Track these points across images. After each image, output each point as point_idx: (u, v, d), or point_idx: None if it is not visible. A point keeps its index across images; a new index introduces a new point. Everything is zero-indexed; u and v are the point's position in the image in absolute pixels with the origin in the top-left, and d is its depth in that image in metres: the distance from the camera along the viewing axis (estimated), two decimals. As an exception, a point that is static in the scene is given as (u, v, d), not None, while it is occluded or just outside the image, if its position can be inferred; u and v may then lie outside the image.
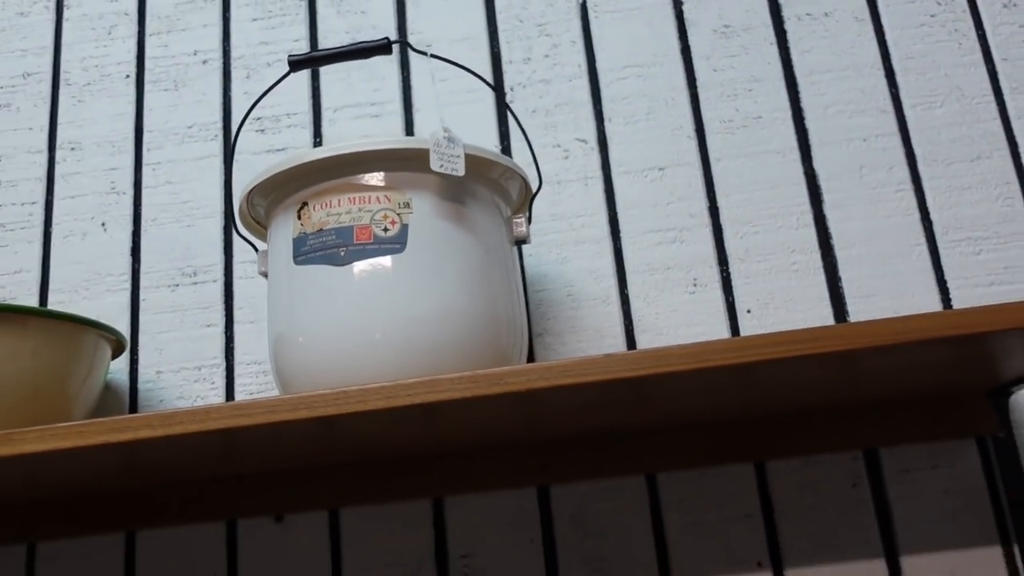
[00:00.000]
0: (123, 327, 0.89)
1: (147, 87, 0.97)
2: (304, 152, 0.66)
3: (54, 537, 0.83)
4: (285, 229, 0.68)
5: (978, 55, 0.92)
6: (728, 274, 0.87)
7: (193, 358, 0.88)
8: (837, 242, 0.87)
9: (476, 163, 0.68)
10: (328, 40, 0.97)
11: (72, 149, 0.96)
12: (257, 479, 0.83)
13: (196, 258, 0.91)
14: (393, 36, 0.97)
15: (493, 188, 0.72)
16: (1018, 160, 0.88)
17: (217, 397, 0.87)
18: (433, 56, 0.70)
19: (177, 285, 0.90)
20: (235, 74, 0.97)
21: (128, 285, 0.91)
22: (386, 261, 0.65)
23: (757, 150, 0.90)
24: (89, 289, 0.91)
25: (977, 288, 0.85)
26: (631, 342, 0.86)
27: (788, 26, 0.94)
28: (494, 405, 0.60)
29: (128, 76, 0.98)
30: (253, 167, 0.94)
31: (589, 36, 0.95)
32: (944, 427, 0.81)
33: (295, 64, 0.70)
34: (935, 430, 0.81)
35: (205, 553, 0.83)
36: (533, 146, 0.92)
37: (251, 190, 0.70)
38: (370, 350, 0.63)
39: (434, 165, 0.64)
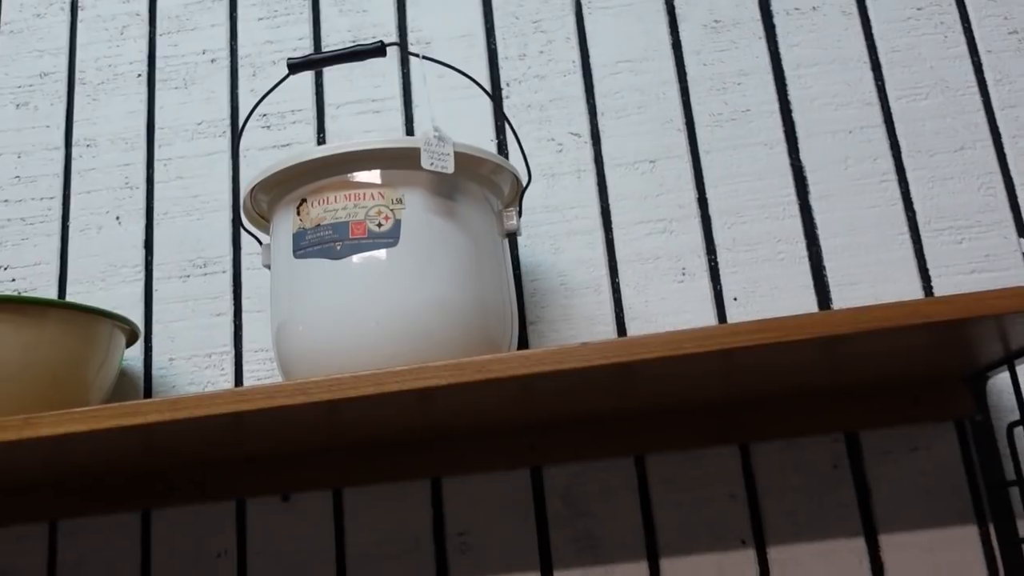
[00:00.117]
0: (137, 316, 0.94)
1: (158, 85, 1.01)
2: (302, 152, 0.70)
3: (75, 515, 0.88)
4: (285, 224, 0.72)
5: (963, 47, 0.94)
6: (716, 263, 0.90)
7: (204, 345, 0.93)
8: (822, 232, 0.90)
9: (466, 160, 0.72)
10: (331, 38, 1.01)
11: (88, 146, 1.00)
12: (264, 461, 0.87)
13: (206, 250, 0.95)
14: (394, 34, 1.00)
15: (483, 183, 0.75)
16: (1001, 151, 0.91)
17: (227, 382, 0.91)
18: (425, 58, 0.73)
19: (188, 276, 0.95)
20: (242, 72, 1.01)
21: (142, 276, 0.95)
22: (380, 255, 0.68)
23: (745, 142, 0.93)
24: (105, 280, 0.96)
25: (958, 276, 0.88)
26: (621, 329, 0.89)
27: (777, 20, 0.96)
28: (481, 391, 0.64)
29: (140, 75, 1.02)
30: (260, 162, 0.98)
31: (583, 32, 0.98)
32: (923, 410, 0.84)
33: (294, 67, 0.74)
34: (914, 413, 0.84)
35: (216, 530, 0.88)
36: (528, 140, 0.95)
37: (254, 187, 0.74)
38: (366, 339, 0.67)
39: (425, 163, 0.68)
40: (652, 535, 0.84)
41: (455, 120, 0.96)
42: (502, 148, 0.95)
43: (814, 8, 0.96)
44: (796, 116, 0.93)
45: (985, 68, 0.93)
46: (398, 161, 0.70)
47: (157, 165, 0.99)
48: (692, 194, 0.92)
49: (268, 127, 0.98)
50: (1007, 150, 0.90)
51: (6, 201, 0.99)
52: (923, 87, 0.93)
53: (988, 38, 0.94)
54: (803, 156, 0.92)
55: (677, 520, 0.84)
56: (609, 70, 0.96)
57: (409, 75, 0.98)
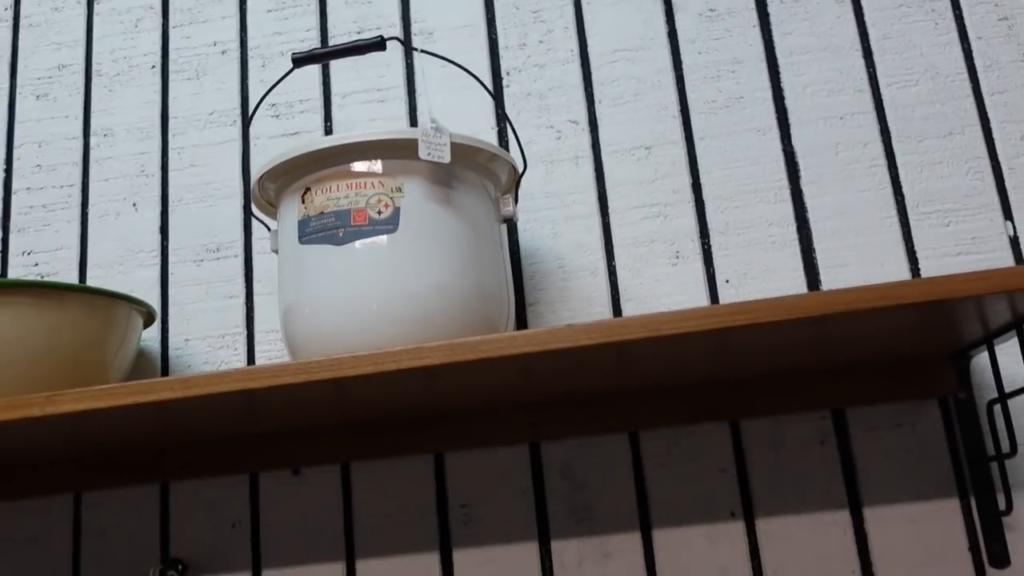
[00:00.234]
0: (154, 299, 0.98)
1: (171, 76, 1.05)
2: (306, 143, 0.73)
3: (98, 487, 0.93)
4: (291, 211, 0.76)
5: (954, 34, 0.96)
6: (709, 246, 0.93)
7: (217, 327, 0.97)
8: (812, 216, 0.93)
9: (462, 150, 0.75)
10: (337, 29, 1.04)
11: (105, 135, 1.04)
12: (276, 436, 0.92)
13: (218, 235, 0.99)
14: (398, 25, 1.03)
15: (480, 171, 0.79)
16: (989, 135, 0.93)
17: (240, 362, 0.96)
18: (423, 51, 0.76)
19: (202, 260, 0.99)
20: (252, 63, 1.04)
21: (158, 261, 1.00)
22: (380, 241, 0.72)
23: (738, 129, 0.96)
24: (123, 264, 1.00)
25: (945, 258, 0.90)
26: (617, 310, 0.93)
27: (771, 8, 0.98)
28: (476, 370, 0.67)
29: (154, 66, 1.06)
30: (270, 150, 1.01)
31: (581, 22, 1.01)
32: (908, 388, 0.87)
33: (298, 61, 0.77)
34: (899, 391, 0.87)
35: (231, 502, 0.92)
36: (528, 127, 0.98)
37: (261, 176, 0.77)
38: (367, 321, 0.71)
39: (422, 153, 0.71)
40: (645, 507, 0.88)
41: (457, 108, 1.00)
42: (502, 135, 0.98)
43: (808, -4, 0.98)
44: (789, 103, 0.96)
45: (975, 55, 0.95)
46: (397, 151, 0.73)
47: (171, 154, 1.02)
48: (686, 180, 0.95)
49: (277, 116, 1.02)
50: (995, 135, 0.93)
51: (28, 189, 1.03)
52: (914, 74, 0.95)
53: (978, 25, 0.96)
54: (795, 142, 0.95)
55: (669, 493, 0.88)
56: (607, 59, 0.99)
57: (412, 65, 1.01)
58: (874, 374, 0.87)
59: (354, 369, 0.63)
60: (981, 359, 0.87)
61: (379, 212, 0.72)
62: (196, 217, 1.00)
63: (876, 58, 0.96)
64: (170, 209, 1.01)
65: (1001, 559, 0.83)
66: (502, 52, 1.01)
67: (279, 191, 0.79)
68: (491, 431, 0.90)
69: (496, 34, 1.01)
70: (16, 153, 1.05)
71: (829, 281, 0.91)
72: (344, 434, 0.91)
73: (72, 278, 1.00)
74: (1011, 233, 0.90)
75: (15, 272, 1.01)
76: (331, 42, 1.04)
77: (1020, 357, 0.85)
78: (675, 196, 0.95)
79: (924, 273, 0.90)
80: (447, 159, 0.72)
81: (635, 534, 0.87)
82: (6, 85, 1.07)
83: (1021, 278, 0.60)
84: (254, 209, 0.97)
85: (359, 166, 0.73)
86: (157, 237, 1.00)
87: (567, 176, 0.96)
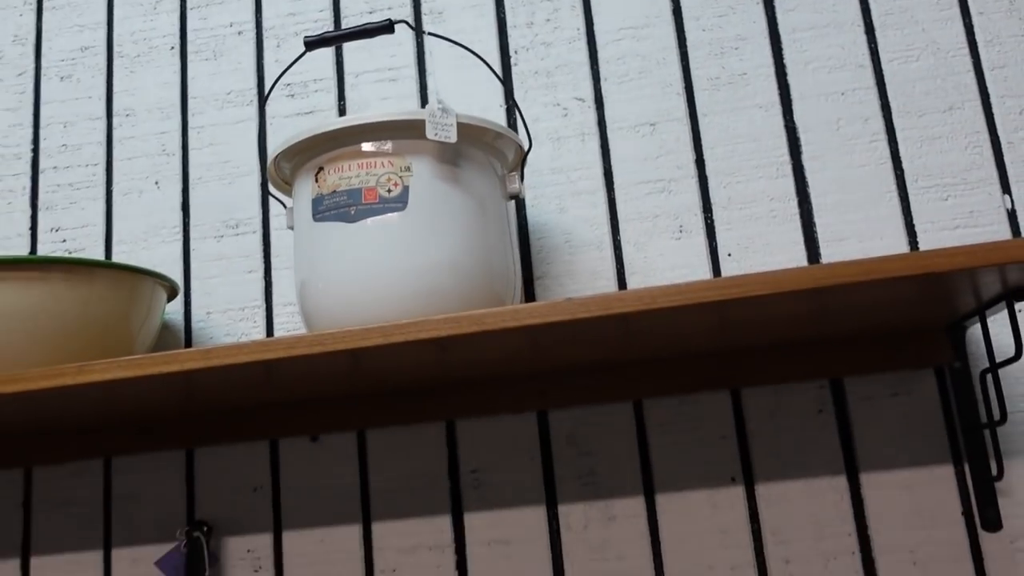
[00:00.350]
0: (177, 274, 1.02)
1: (190, 57, 1.08)
2: (318, 124, 0.76)
3: (127, 452, 0.97)
4: (305, 190, 0.79)
5: (955, 9, 0.97)
6: (712, 221, 0.96)
7: (238, 300, 1.01)
8: (813, 190, 0.95)
9: (469, 129, 0.78)
10: (350, 9, 1.06)
11: (127, 115, 1.08)
12: (295, 404, 0.96)
13: (237, 212, 1.03)
14: (408, 5, 1.05)
15: (487, 150, 0.81)
16: (989, 110, 0.94)
17: (259, 334, 1.00)
18: (431, 34, 0.79)
19: (222, 236, 1.03)
20: (267, 43, 1.07)
21: (180, 237, 1.03)
22: (390, 218, 0.75)
23: (742, 105, 0.98)
24: (147, 240, 1.04)
25: (943, 232, 0.92)
26: (622, 284, 0.95)
27: (775, -15, 1.00)
28: (481, 341, 0.71)
29: (173, 48, 1.09)
30: (286, 129, 1.04)
31: (588, 0, 1.02)
32: (904, 358, 0.89)
33: (310, 45, 0.80)
34: (896, 361, 0.89)
35: (253, 467, 0.97)
36: (535, 105, 1.00)
37: (277, 156, 0.81)
38: (379, 295, 0.74)
39: (429, 134, 0.74)
40: (649, 473, 0.91)
41: (467, 87, 1.02)
42: (511, 113, 1.01)
43: (811, -28, 1.00)
44: (791, 79, 0.97)
45: (976, 30, 0.96)
46: (405, 132, 0.76)
47: (191, 133, 1.06)
48: (690, 155, 0.97)
49: (292, 96, 1.05)
50: (995, 110, 0.94)
51: (55, 168, 1.07)
52: (915, 49, 0.96)
53: (980, 0, 0.96)
54: (797, 118, 0.96)
55: (672, 459, 0.91)
56: (612, 36, 1.01)
57: (423, 45, 1.04)
58: (872, 344, 0.90)
59: (365, 341, 0.66)
60: (976, 330, 0.89)
61: (389, 191, 0.75)
62: (216, 195, 1.04)
63: (878, 34, 0.97)
64: (191, 187, 1.05)
65: (993, 523, 0.86)
66: (510, 31, 1.03)
67: (294, 170, 0.82)
68: (500, 400, 0.93)
69: (504, 13, 1.03)
70: (42, 133, 1.09)
71: (829, 254, 0.93)
72: (360, 402, 0.95)
73: (98, 254, 1.04)
74: (1009, 207, 0.92)
75: (44, 248, 1.05)
76: (344, 22, 1.06)
77: (1011, 328, 0.87)
78: (679, 172, 0.97)
79: (922, 246, 0.92)
80: (454, 139, 0.75)
81: (639, 498, 0.91)
82: (31, 67, 1.11)
83: (1004, 252, 0.63)
84: (271, 187, 1.01)
85: (369, 146, 0.76)
86: (179, 214, 1.04)
87: (573, 152, 0.99)
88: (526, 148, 0.85)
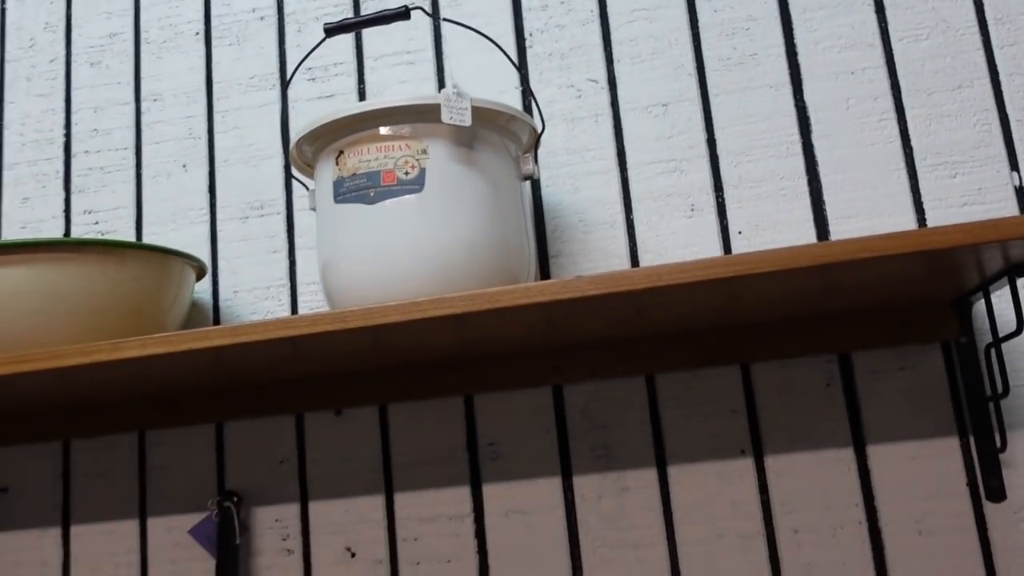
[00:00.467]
0: (204, 254, 1.06)
1: (214, 43, 1.11)
2: (338, 109, 0.79)
3: (160, 427, 1.02)
4: (326, 173, 0.82)
5: (966, -13, 0.98)
6: (723, 200, 0.98)
7: (263, 279, 1.04)
8: (823, 169, 0.96)
9: (483, 113, 0.80)
10: (368, -5, 1.09)
11: (155, 100, 1.11)
12: (320, 380, 0.99)
13: (262, 194, 1.06)
14: (425, -11, 1.08)
15: (502, 132, 0.84)
16: (998, 88, 0.95)
17: (284, 312, 1.03)
18: (447, 20, 0.81)
19: (247, 217, 1.06)
20: (288, 28, 1.10)
21: (207, 218, 1.07)
22: (408, 200, 0.78)
23: (752, 85, 0.99)
24: (176, 222, 1.08)
25: (951, 209, 0.94)
26: (635, 262, 0.98)
27: (786, -34, 1.01)
28: (496, 318, 0.74)
29: (198, 33, 1.12)
30: (307, 112, 1.07)
31: (601, -18, 1.04)
32: (911, 333, 0.91)
33: (329, 31, 0.83)
34: (903, 336, 0.91)
35: (279, 440, 1.01)
36: (550, 87, 1.03)
37: (299, 140, 0.84)
38: (397, 274, 0.78)
39: (444, 117, 0.77)
40: (661, 445, 0.94)
41: (484, 69, 1.04)
42: (527, 95, 1.03)
43: (823, -48, 1.01)
44: (801, 59, 0.99)
45: (986, 7, 0.97)
46: (422, 115, 0.79)
47: (216, 117, 1.09)
48: (702, 135, 0.99)
49: (313, 79, 1.08)
50: (1004, 87, 0.95)
51: (87, 152, 1.11)
52: (924, 28, 0.97)
53: (992, -23, 0.97)
54: (807, 97, 0.98)
55: (683, 432, 0.94)
56: (625, 18, 1.03)
57: (440, 28, 1.06)
58: (879, 320, 0.92)
59: (384, 317, 0.69)
60: (981, 305, 0.91)
61: (406, 173, 0.78)
62: (241, 177, 1.07)
63: (888, 13, 0.98)
64: (217, 170, 1.08)
65: (997, 494, 0.88)
66: (525, 14, 1.05)
67: (315, 154, 0.85)
68: (517, 375, 0.96)
69: (519, -3, 1.05)
70: (74, 118, 1.12)
71: (838, 232, 0.95)
72: (382, 378, 0.98)
73: (129, 235, 1.08)
74: (1017, 184, 0.93)
75: (77, 230, 1.09)
76: (363, 7, 1.09)
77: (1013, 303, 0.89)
78: (691, 151, 0.99)
79: (931, 223, 0.94)
80: (468, 122, 0.77)
81: (651, 470, 0.94)
82: (62, 54, 1.15)
83: (1003, 229, 0.64)
84: (293, 170, 1.04)
85: (386, 130, 0.79)
86: (206, 196, 1.08)
87: (587, 133, 1.01)
88: (540, 130, 0.88)
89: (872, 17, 0.98)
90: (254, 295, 1.04)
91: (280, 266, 1.04)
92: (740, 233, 0.97)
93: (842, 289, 0.80)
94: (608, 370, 0.95)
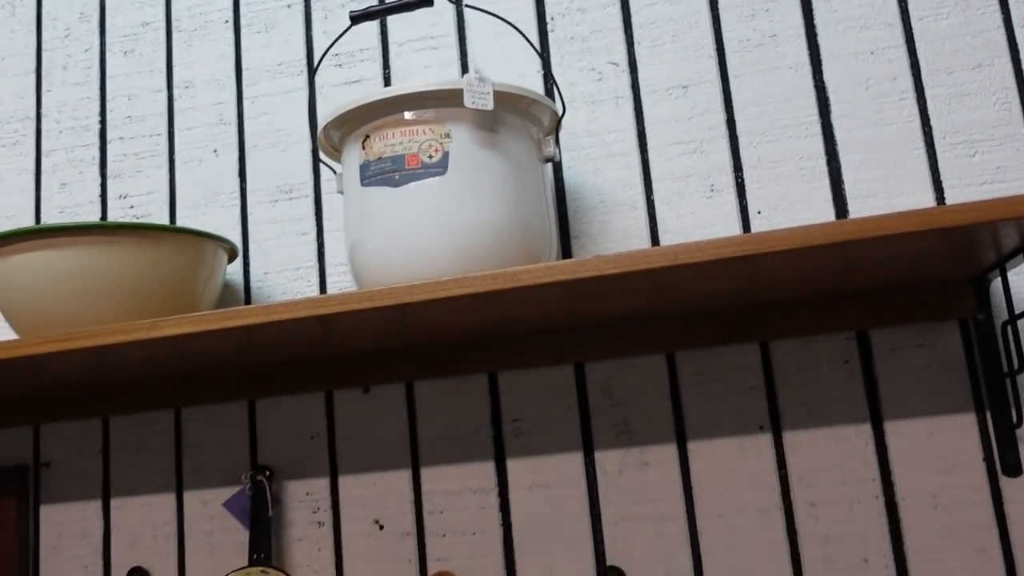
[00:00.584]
0: (236, 237, 1.09)
1: (243, 30, 1.14)
2: (364, 95, 0.82)
3: (195, 403, 1.05)
4: (353, 157, 0.85)
5: (987, -34, 0.98)
6: (742, 180, 0.99)
7: (293, 261, 1.07)
8: (842, 149, 0.97)
9: (505, 97, 0.82)
10: (393, -19, 1.11)
11: (186, 87, 1.14)
12: (348, 358, 1.02)
13: (291, 178, 1.09)
14: (448, -25, 1.10)
15: (523, 116, 0.86)
16: (1018, 66, 0.95)
17: (313, 292, 1.06)
18: (468, 6, 0.83)
19: (276, 201, 1.09)
20: (315, 16, 1.12)
21: (238, 202, 1.10)
22: (432, 182, 0.80)
23: (772, 66, 1.00)
24: (208, 205, 1.11)
25: (970, 187, 0.95)
26: (655, 242, 1.00)
27: (806, -54, 1.02)
28: (519, 297, 0.76)
29: (227, 21, 1.15)
30: (334, 98, 1.10)
31: (622, -34, 1.06)
32: (929, 310, 0.92)
33: (355, 19, 0.85)
34: (921, 313, 0.92)
35: (309, 417, 1.04)
36: (571, 70, 1.04)
37: (326, 125, 0.86)
38: (422, 254, 0.80)
39: (467, 102, 0.79)
40: (681, 421, 0.96)
41: (506, 53, 1.06)
42: (548, 79, 1.05)
43: (843, -68, 1.01)
44: (821, 40, 1.00)
45: (1007, -15, 0.97)
46: (444, 100, 0.81)
47: (246, 103, 1.12)
48: (721, 116, 1.00)
49: (340, 65, 1.10)
50: (1024, 66, 0.95)
51: (121, 139, 1.15)
52: (945, 7, 0.98)
53: (1013, -45, 0.97)
54: (826, 78, 0.99)
55: (702, 408, 0.96)
56: (645, 1, 1.04)
57: (463, 14, 1.08)
58: (897, 298, 0.93)
59: (409, 296, 0.72)
60: (999, 283, 0.92)
61: (430, 156, 0.80)
62: (270, 162, 1.10)
63: (909, -8, 0.99)
64: (247, 154, 1.11)
65: (1014, 468, 0.89)
66: (547, -2, 1.06)
67: (342, 138, 0.87)
68: (540, 353, 0.98)
69: (541, -19, 1.07)
70: (109, 106, 1.16)
71: (857, 211, 0.96)
72: (408, 356, 1.01)
73: (163, 219, 1.11)
74: (1036, 162, 0.94)
75: (113, 214, 1.13)
76: (387, -7, 1.11)
77: (1030, 280, 0.90)
78: (711, 132, 1.00)
79: (949, 202, 0.94)
80: (490, 106, 0.79)
81: (671, 445, 0.96)
82: (96, 43, 1.18)
83: (1016, 207, 0.66)
84: (321, 154, 1.06)
85: (410, 115, 0.81)
86: (236, 180, 1.11)
87: (608, 116, 1.03)
88: (560, 113, 0.90)
89: (892, -3, 0.99)
90: (284, 276, 1.07)
91: (309, 248, 1.07)
92: (759, 213, 0.98)
93: (859, 267, 0.82)
94: (629, 348, 0.97)
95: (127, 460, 1.07)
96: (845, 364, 0.94)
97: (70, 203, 1.14)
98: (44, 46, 1.19)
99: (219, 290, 0.97)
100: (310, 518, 1.02)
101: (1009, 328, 0.89)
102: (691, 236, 0.99)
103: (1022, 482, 0.89)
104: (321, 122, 0.86)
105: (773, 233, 0.66)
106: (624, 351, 0.97)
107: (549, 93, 1.04)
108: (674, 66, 1.02)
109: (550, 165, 1.01)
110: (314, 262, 1.07)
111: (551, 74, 0.92)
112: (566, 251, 1.01)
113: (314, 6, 1.12)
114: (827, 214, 0.97)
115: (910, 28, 0.98)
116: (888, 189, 0.96)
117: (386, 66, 1.09)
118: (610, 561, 0.95)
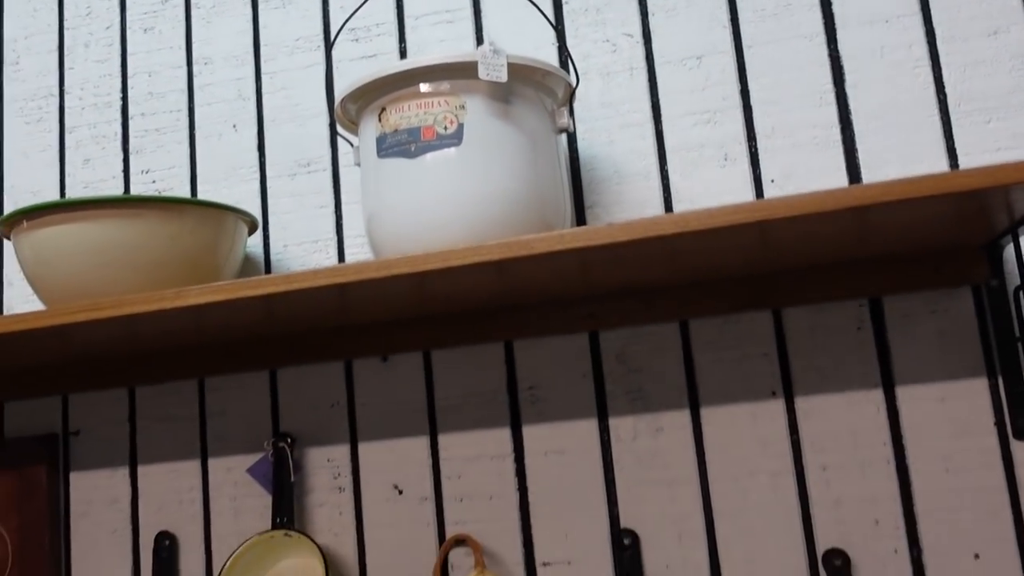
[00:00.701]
0: (255, 210, 1.11)
1: (260, 6, 1.15)
2: (380, 68, 0.83)
3: (218, 372, 1.08)
4: (370, 129, 0.86)
5: (1003, -69, 0.97)
6: (756, 149, 1.00)
7: (311, 233, 1.09)
8: (856, 117, 0.98)
9: (519, 69, 0.83)
10: (408, -46, 1.11)
11: (206, 64, 1.16)
12: (367, 327, 1.04)
13: (309, 151, 1.11)
14: (463, -53, 1.10)
15: (537, 87, 0.87)
16: (1034, 32, 0.95)
17: (332, 263, 1.08)
18: (482, -22, 0.84)
19: (295, 174, 1.11)
20: (331, -10, 1.13)
21: (257, 175, 1.12)
22: (448, 153, 0.82)
23: (786, 36, 1.00)
24: (228, 179, 1.13)
25: (984, 155, 0.95)
26: (669, 211, 1.00)
27: (820, -86, 1.01)
28: (532, 264, 0.77)
29: (245, -3, 1.16)
30: (351, 72, 1.11)
31: (635, -64, 1.06)
32: (942, 277, 0.93)
33: (371, -7, 0.86)
34: (934, 280, 0.93)
35: (330, 385, 1.06)
36: (585, 42, 1.05)
37: (343, 98, 0.88)
38: (439, 224, 0.81)
39: (481, 74, 0.80)
40: (694, 388, 0.98)
41: (520, 25, 1.07)
42: (562, 51, 1.05)
43: (857, -101, 1.01)
44: (835, 8, 1.00)
45: (1024, -49, 0.96)
46: (459, 73, 0.82)
47: (264, 78, 1.14)
48: (735, 86, 1.01)
49: (356, 40, 1.11)
50: (1040, 32, 0.95)
51: (143, 114, 1.17)
52: (960, -27, 0.97)
53: (1030, -80, 0.97)
54: (841, 46, 0.99)
55: (716, 375, 0.97)
56: (659, -28, 1.04)
57: (477, -14, 1.09)
58: (910, 264, 0.93)
59: (426, 265, 0.73)
60: (1012, 249, 0.92)
61: (445, 128, 0.82)
62: (288, 136, 1.12)
63: (923, -41, 0.98)
64: (265, 129, 1.13)
65: (1025, 433, 0.90)
66: (561, -30, 1.07)
67: (359, 111, 0.89)
68: (555, 321, 1.00)
69: (555, -48, 1.07)
70: (130, 83, 1.18)
71: (871, 179, 0.96)
72: (426, 325, 1.03)
73: (185, 192, 1.13)
74: (1051, 128, 0.94)
75: (136, 188, 1.15)
76: (402, -33, 1.11)
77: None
78: (724, 103, 1.01)
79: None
80: (504, 78, 0.80)
81: (684, 411, 0.97)
82: (117, 21, 1.20)
83: (1020, 172, 0.66)
84: (338, 128, 1.08)
85: (426, 87, 0.82)
86: (255, 155, 1.12)
87: (622, 87, 1.03)
88: (574, 85, 0.90)
89: (906, -36, 0.98)
90: (303, 248, 1.09)
91: (327, 220, 1.09)
92: (773, 182, 0.99)
93: (872, 234, 0.82)
94: (643, 316, 0.98)
95: (153, 428, 1.10)
96: (858, 331, 0.95)
97: (94, 178, 1.17)
98: (66, 24, 1.21)
99: (240, 262, 0.99)
100: (331, 484, 1.04)
101: (1021, 293, 0.89)
102: (705, 205, 1.00)
103: (1033, 447, 0.90)
104: (338, 96, 0.88)
105: (784, 199, 0.67)
106: (638, 319, 0.98)
107: (563, 65, 1.05)
108: (688, 36, 1.03)
109: (564, 136, 1.02)
110: (332, 234, 1.09)
111: (565, 46, 0.93)
112: (580, 221, 1.02)
113: (330, -20, 1.13)
114: (841, 182, 0.97)
115: (925, -5, 0.98)
116: (902, 157, 0.96)
117: (402, 40, 1.10)
118: (624, 524, 0.97)
